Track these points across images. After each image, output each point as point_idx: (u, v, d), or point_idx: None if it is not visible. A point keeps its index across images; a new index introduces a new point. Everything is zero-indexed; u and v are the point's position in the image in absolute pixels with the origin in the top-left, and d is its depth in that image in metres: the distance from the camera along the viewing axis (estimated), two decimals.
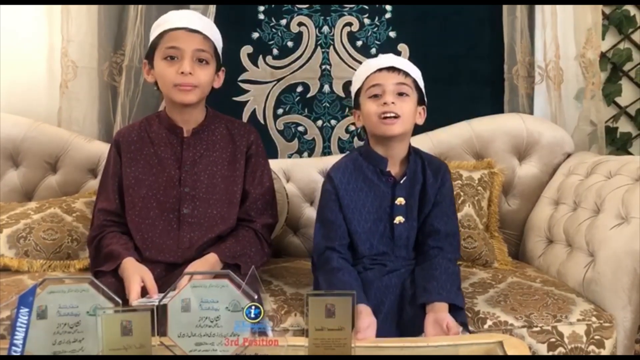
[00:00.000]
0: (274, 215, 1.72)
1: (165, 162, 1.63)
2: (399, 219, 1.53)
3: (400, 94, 1.49)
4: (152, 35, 1.62)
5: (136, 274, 1.45)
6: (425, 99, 1.57)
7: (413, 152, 1.57)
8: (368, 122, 1.52)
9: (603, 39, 2.23)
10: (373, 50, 2.28)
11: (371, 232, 1.53)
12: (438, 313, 1.37)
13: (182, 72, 1.54)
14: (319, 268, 1.52)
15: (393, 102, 1.46)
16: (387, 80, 1.49)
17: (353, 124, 2.18)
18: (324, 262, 1.50)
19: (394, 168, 1.55)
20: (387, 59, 1.54)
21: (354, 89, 1.58)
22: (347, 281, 1.43)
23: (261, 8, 2.28)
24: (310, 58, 2.29)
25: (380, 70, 1.50)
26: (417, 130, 1.68)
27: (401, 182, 1.54)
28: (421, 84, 1.55)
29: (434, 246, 1.52)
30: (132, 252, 1.55)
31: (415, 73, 1.53)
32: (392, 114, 1.47)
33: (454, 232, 1.56)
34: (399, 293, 1.49)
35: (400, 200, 1.53)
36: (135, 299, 1.39)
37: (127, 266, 1.49)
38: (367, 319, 1.34)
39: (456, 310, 1.41)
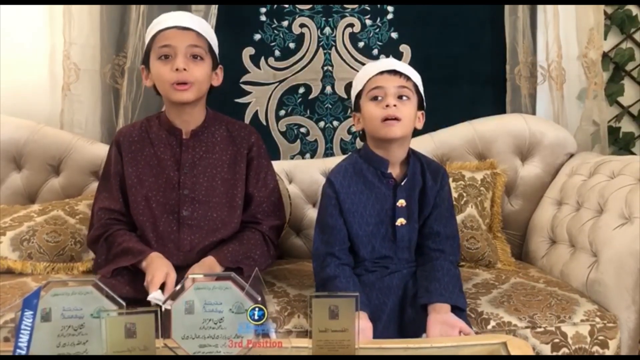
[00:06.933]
0: (281, 216, 1.71)
1: (165, 164, 1.62)
2: (400, 221, 1.53)
3: (401, 97, 1.48)
4: (146, 39, 1.62)
5: (164, 267, 1.46)
6: (425, 104, 1.56)
7: (412, 154, 1.57)
8: (369, 124, 1.51)
9: (605, 38, 2.23)
10: (375, 51, 2.29)
11: (373, 235, 1.53)
12: (442, 314, 1.38)
13: (177, 69, 1.54)
14: (317, 275, 1.53)
15: (395, 105, 1.46)
16: (388, 82, 1.48)
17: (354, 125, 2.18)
18: (322, 270, 1.50)
19: (394, 170, 1.54)
20: (388, 62, 1.54)
21: (354, 91, 1.57)
22: (344, 288, 1.42)
23: (263, 9, 2.28)
24: (312, 59, 2.29)
25: (381, 73, 1.50)
26: (419, 131, 1.67)
27: (402, 184, 1.53)
28: (421, 88, 1.54)
29: (436, 249, 1.52)
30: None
31: (416, 77, 1.53)
32: (394, 117, 1.46)
33: (453, 235, 1.56)
34: (401, 294, 1.49)
35: (401, 202, 1.53)
36: (154, 290, 1.39)
37: (154, 259, 1.49)
38: (361, 322, 1.34)
39: (458, 312, 1.41)
